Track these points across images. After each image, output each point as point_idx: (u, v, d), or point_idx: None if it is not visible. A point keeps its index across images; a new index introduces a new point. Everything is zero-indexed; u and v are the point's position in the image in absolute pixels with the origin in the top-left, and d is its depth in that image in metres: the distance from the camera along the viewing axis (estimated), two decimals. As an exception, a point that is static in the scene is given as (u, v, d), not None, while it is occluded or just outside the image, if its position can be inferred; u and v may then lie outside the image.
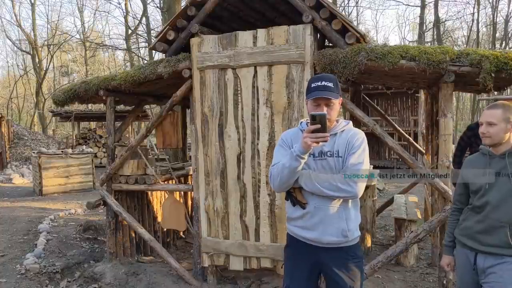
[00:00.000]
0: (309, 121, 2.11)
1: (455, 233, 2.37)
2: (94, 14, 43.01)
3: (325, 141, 1.92)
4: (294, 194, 2.12)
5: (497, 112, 2.13)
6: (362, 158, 2.05)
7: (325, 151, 2.07)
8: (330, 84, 2.02)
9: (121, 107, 12.07)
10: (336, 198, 2.04)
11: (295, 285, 2.19)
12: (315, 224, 2.07)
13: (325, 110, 1.99)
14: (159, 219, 5.14)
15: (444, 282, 3.36)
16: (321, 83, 2.02)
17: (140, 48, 23.16)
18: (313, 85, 2.04)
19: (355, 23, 14.31)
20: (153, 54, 18.57)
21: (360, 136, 2.10)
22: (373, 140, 13.34)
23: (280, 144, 2.20)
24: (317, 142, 1.90)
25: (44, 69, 24.87)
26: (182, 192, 5.28)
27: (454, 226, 2.40)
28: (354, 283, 2.10)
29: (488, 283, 2.14)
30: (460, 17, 34.67)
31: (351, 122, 2.17)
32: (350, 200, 2.08)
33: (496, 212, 2.11)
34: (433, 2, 20.71)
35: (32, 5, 25.80)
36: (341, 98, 2.14)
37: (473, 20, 21.96)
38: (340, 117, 2.24)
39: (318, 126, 1.88)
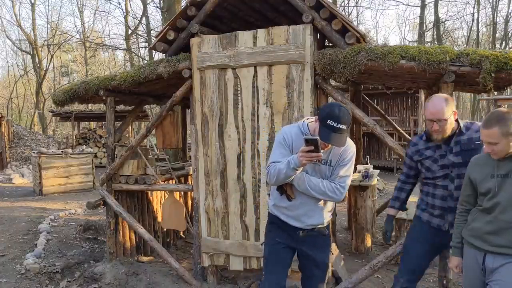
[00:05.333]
0: (311, 121, 2.35)
1: (463, 233, 2.36)
2: (94, 14, 43.05)
3: (319, 160, 2.18)
4: (285, 188, 2.35)
5: (493, 132, 2.06)
6: (350, 171, 2.32)
7: (320, 159, 2.28)
8: (345, 127, 2.13)
9: (121, 107, 12.07)
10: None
11: (273, 256, 2.46)
12: (299, 215, 2.37)
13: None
14: (159, 219, 5.14)
15: (444, 282, 3.36)
16: (337, 125, 2.11)
17: (140, 48, 23.18)
18: (329, 122, 2.12)
19: (355, 23, 14.31)
20: (153, 54, 18.59)
21: (352, 150, 2.33)
22: (373, 140, 13.35)
23: (280, 141, 2.35)
24: (311, 161, 2.15)
25: (44, 69, 24.86)
26: (182, 192, 5.28)
27: (462, 227, 2.39)
28: (327, 258, 2.51)
29: (493, 281, 2.14)
30: (460, 17, 34.69)
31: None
32: None
33: (505, 214, 2.11)
34: (433, 2, 20.72)
35: (32, 5, 25.79)
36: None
37: (473, 20, 21.99)
38: None
39: (311, 148, 2.10)
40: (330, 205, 2.46)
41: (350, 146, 2.32)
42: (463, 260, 2.37)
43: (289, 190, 2.34)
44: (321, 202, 2.37)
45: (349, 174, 2.32)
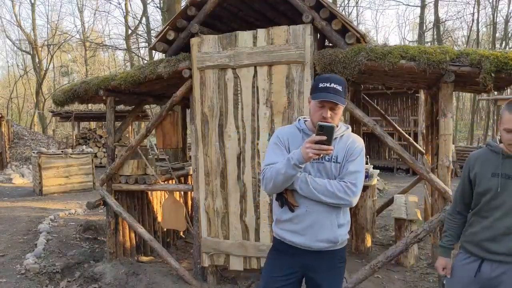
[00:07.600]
0: (306, 119, 2.07)
1: (461, 240, 2.22)
2: (94, 14, 42.95)
3: (328, 154, 1.82)
4: (286, 196, 1.98)
5: None
6: (361, 166, 1.97)
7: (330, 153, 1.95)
8: (340, 88, 1.89)
9: (121, 107, 12.05)
10: (330, 204, 1.94)
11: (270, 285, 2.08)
12: (305, 229, 1.97)
13: (329, 114, 1.88)
14: (159, 219, 5.14)
15: (444, 282, 3.35)
16: (330, 84, 1.88)
17: (140, 48, 23.17)
18: (321, 85, 1.90)
19: (355, 23, 14.30)
20: (153, 54, 18.57)
21: (360, 143, 2.02)
22: (373, 140, 13.35)
23: (275, 142, 2.07)
24: (319, 154, 1.79)
25: (44, 69, 24.88)
26: (182, 192, 5.28)
27: (455, 228, 2.26)
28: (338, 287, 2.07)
29: None
30: (460, 17, 34.67)
31: (350, 128, 2.09)
32: None
33: (505, 219, 1.95)
34: (433, 2, 20.71)
35: (32, 5, 25.79)
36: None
37: (473, 20, 21.96)
38: (340, 121, 2.12)
39: (324, 138, 1.75)
40: (343, 215, 2.02)
41: (358, 140, 2.02)
42: (456, 264, 2.23)
43: (290, 197, 1.97)
44: (332, 211, 1.96)
45: (360, 169, 1.95)
